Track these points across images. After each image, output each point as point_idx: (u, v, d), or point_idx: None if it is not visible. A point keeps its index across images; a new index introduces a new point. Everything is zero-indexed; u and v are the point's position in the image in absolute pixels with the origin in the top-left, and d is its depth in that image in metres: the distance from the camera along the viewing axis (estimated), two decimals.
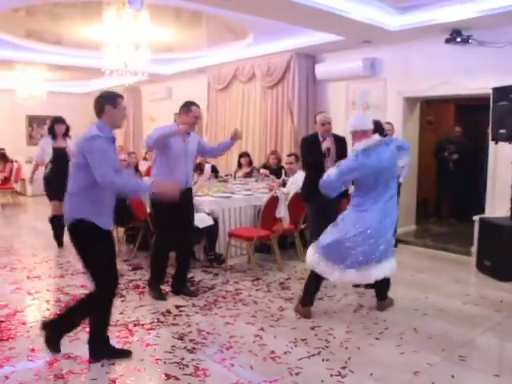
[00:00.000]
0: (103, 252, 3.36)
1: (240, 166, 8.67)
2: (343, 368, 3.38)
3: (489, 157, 6.54)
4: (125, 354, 3.52)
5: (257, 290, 5.11)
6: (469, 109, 8.91)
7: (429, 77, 6.99)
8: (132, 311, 4.42)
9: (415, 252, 6.92)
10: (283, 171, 7.61)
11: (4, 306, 4.50)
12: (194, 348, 3.67)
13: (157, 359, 3.49)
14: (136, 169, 8.27)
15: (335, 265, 4.15)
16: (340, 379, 3.23)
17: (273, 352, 3.62)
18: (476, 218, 6.22)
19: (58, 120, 6.79)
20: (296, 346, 3.75)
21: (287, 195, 5.99)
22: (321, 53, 8.42)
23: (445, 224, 8.55)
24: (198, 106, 4.73)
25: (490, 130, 5.91)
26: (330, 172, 4.14)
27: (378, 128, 4.34)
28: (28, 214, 10.66)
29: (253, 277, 5.54)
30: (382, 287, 4.50)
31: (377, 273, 4.15)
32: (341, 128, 6.10)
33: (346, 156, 4.55)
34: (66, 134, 6.77)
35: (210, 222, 5.86)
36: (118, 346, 3.62)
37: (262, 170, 8.06)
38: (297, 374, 3.30)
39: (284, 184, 6.83)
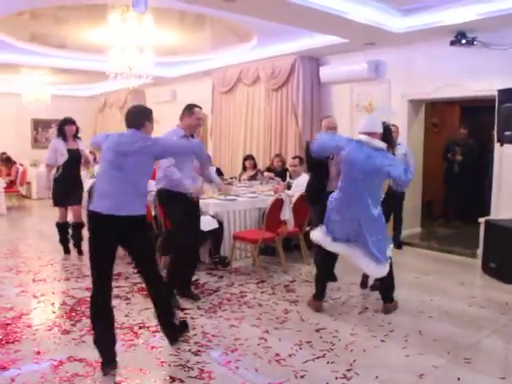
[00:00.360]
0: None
1: (245, 168, 8.69)
2: (348, 370, 3.37)
3: (494, 159, 6.53)
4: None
5: (261, 292, 5.11)
6: (474, 111, 8.89)
7: (433, 79, 6.98)
8: (137, 314, 4.43)
9: (420, 254, 6.90)
10: (288, 174, 7.61)
11: (10, 309, 4.51)
12: (198, 350, 3.67)
13: (162, 362, 3.50)
14: None
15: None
16: (345, 382, 3.23)
17: (278, 354, 3.62)
18: (481, 220, 6.21)
19: (69, 121, 6.55)
20: (301, 348, 3.75)
21: (292, 198, 5.99)
22: (325, 55, 8.43)
23: (450, 226, 8.52)
24: (200, 108, 4.71)
25: (495, 132, 5.90)
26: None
27: (385, 132, 4.33)
28: (33, 217, 10.70)
29: (257, 279, 5.54)
30: (385, 289, 4.50)
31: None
32: (345, 131, 6.10)
33: None
34: (75, 136, 6.57)
35: (215, 224, 5.85)
36: (123, 349, 3.62)
37: (266, 173, 8.07)
38: (302, 376, 3.30)
39: (289, 186, 6.83)
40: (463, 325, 4.23)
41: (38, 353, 3.60)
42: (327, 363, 3.50)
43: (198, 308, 4.60)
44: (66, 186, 6.37)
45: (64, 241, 6.75)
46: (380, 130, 4.24)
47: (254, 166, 8.63)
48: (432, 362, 3.51)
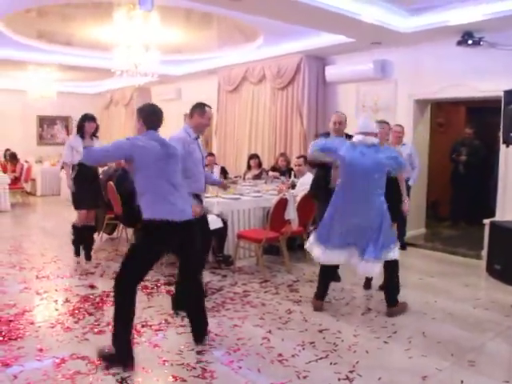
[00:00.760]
0: None
1: (249, 167, 8.69)
2: (351, 372, 3.36)
3: (499, 160, 6.49)
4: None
5: (265, 292, 5.09)
6: (480, 111, 8.85)
7: (439, 79, 6.96)
8: (140, 312, 4.41)
9: (424, 255, 6.88)
10: (292, 173, 7.60)
11: (13, 306, 4.52)
12: (201, 350, 3.67)
13: (164, 360, 3.49)
14: None
15: None
16: (348, 383, 3.21)
17: (280, 355, 3.61)
18: (486, 221, 6.18)
19: (90, 118, 6.05)
20: (304, 348, 3.73)
21: (296, 197, 5.98)
22: (331, 55, 8.41)
23: (454, 227, 8.49)
24: (210, 108, 4.61)
25: (501, 133, 5.87)
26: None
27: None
28: (37, 214, 10.71)
29: (261, 279, 5.53)
30: (389, 292, 4.49)
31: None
32: (351, 131, 6.06)
33: None
34: (94, 134, 6.11)
35: (219, 224, 5.83)
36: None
37: (270, 173, 8.06)
38: (304, 377, 3.29)
39: (293, 186, 6.82)
40: (467, 327, 4.21)
41: (41, 350, 3.61)
42: (330, 364, 3.48)
43: None
44: (84, 186, 6.00)
45: (78, 243, 6.35)
46: (375, 130, 4.40)
47: (259, 165, 8.62)
48: (435, 364, 3.49)
